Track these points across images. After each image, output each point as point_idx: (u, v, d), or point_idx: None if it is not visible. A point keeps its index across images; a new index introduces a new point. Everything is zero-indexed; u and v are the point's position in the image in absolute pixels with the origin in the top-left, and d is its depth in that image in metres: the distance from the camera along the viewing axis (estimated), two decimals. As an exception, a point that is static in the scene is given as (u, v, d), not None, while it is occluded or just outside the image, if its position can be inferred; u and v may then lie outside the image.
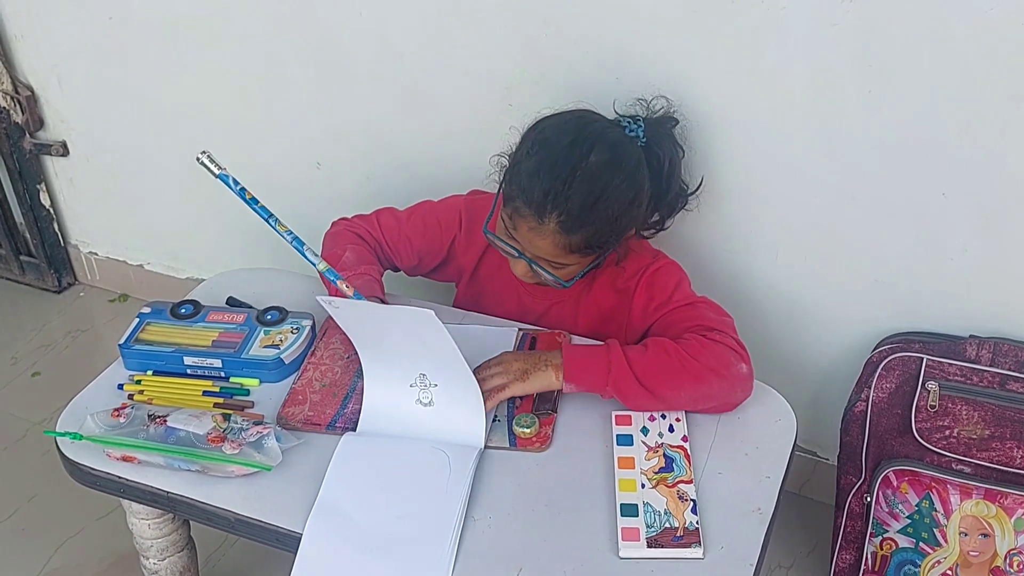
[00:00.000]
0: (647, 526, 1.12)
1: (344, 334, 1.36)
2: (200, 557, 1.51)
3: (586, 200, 1.21)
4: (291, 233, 1.24)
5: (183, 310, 1.41)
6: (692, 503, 1.15)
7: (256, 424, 1.22)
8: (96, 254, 2.34)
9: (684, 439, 1.23)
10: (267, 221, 1.24)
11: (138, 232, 2.24)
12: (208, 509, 1.19)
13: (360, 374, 1.30)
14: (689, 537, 1.11)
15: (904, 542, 1.46)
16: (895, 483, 1.44)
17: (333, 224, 1.46)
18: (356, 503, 1.15)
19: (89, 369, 1.41)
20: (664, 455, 1.21)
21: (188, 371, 1.34)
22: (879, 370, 1.46)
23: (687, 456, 1.21)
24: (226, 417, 1.23)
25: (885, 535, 1.47)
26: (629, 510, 1.14)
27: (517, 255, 1.29)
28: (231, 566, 1.73)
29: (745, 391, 1.24)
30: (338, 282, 1.23)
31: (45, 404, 2.00)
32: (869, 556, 1.50)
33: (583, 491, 1.18)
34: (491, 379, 1.21)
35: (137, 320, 1.40)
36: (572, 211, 1.21)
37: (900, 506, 1.45)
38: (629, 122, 1.30)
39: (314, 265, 1.24)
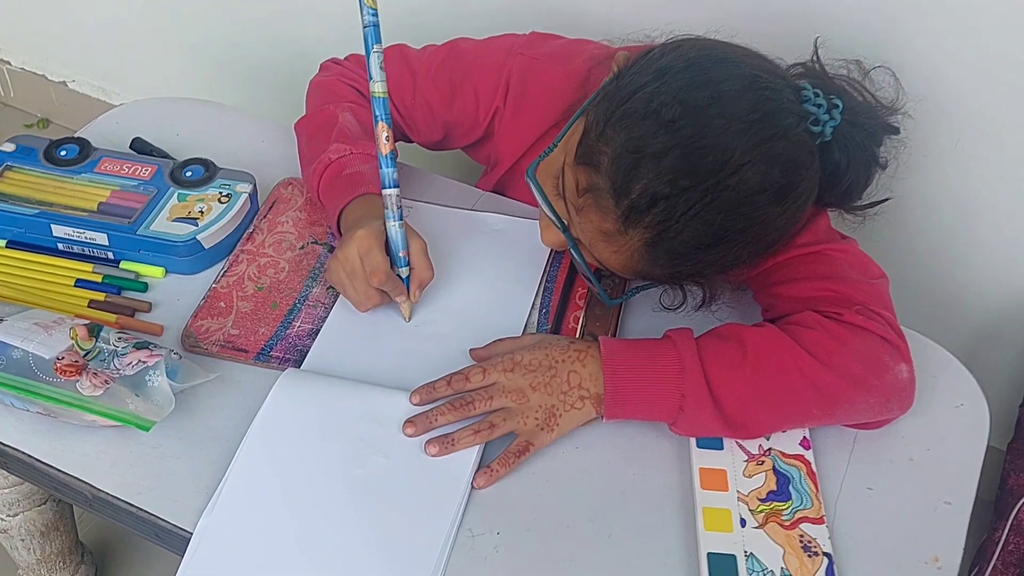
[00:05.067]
0: None
1: (299, 212, 1.05)
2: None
3: (708, 238, 0.81)
4: (374, 14, 0.89)
5: (63, 152, 1.07)
6: (826, 560, 0.76)
7: (140, 347, 0.85)
8: (8, 63, 2.05)
9: (804, 444, 0.84)
10: None
11: (61, 39, 1.94)
12: (53, 474, 0.83)
13: (317, 277, 0.98)
14: None
15: (1091, 581, 1.07)
16: (1090, 497, 1.08)
17: (322, 68, 1.16)
18: (288, 486, 0.80)
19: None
20: (775, 470, 0.82)
21: (59, 246, 1.03)
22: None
23: (811, 474, 0.82)
24: (94, 331, 0.86)
25: (1063, 567, 1.10)
26: (722, 567, 0.76)
27: (560, 229, 0.88)
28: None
29: (903, 404, 0.88)
30: (379, 123, 0.91)
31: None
32: (1034, 590, 1.12)
33: (646, 508, 0.82)
34: (503, 423, 0.84)
35: (-8, 163, 1.07)
36: (675, 244, 0.81)
37: (1094, 530, 1.07)
38: (821, 108, 0.83)
39: (371, 80, 0.92)
